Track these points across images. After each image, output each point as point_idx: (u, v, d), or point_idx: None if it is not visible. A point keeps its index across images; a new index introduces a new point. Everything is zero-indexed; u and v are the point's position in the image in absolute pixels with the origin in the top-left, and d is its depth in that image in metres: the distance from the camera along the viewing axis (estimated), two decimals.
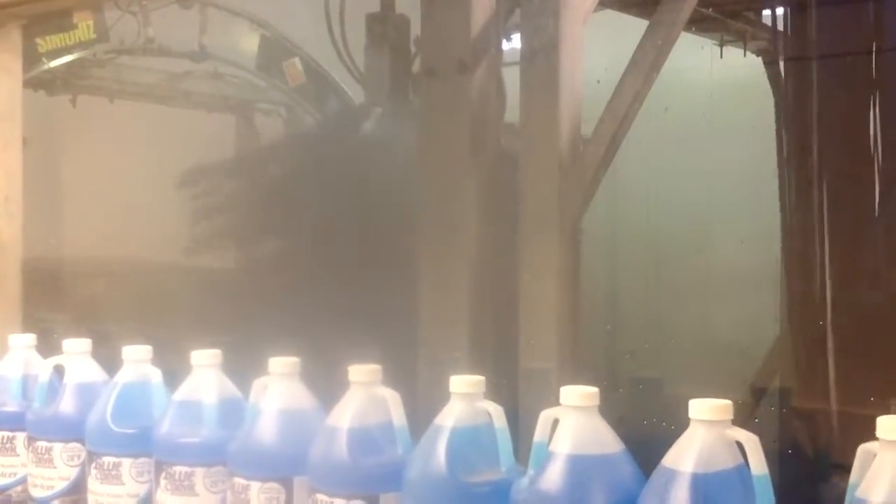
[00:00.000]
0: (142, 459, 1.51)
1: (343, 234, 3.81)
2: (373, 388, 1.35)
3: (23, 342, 1.80)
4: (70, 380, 1.65)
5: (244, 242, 4.34)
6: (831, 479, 2.88)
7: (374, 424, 1.33)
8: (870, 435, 1.01)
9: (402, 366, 1.68)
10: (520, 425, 1.34)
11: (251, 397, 1.45)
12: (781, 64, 3.54)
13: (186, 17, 4.47)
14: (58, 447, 1.61)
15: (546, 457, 1.15)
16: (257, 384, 1.45)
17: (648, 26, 3.13)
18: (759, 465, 1.05)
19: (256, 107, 5.14)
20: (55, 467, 1.61)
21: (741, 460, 1.07)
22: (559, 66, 2.62)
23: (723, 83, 4.01)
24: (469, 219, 2.69)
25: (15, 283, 2.37)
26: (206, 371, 1.51)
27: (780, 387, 3.43)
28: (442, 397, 1.28)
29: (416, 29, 4.02)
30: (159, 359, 1.62)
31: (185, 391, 1.51)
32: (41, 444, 1.63)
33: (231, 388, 1.52)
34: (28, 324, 2.34)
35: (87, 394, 1.62)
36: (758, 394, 3.51)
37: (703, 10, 3.63)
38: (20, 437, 1.69)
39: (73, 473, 1.60)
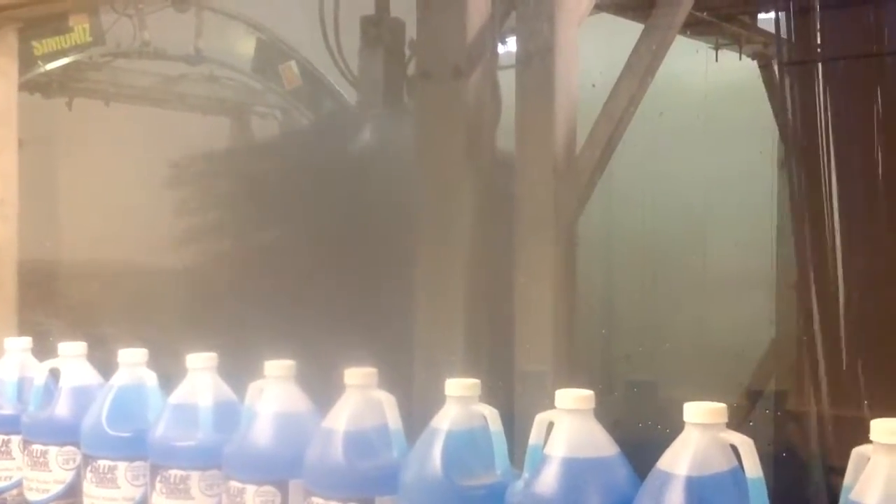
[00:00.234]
0: (137, 463, 1.51)
1: (339, 238, 3.81)
2: (368, 392, 1.35)
3: (18, 345, 1.80)
4: (65, 383, 1.65)
5: (239, 245, 4.33)
6: (825, 482, 2.89)
7: (369, 427, 1.33)
8: (864, 438, 1.01)
9: (397, 369, 1.68)
10: (515, 428, 1.34)
11: (246, 400, 1.45)
12: (776, 67, 3.55)
13: (182, 21, 4.47)
14: (53, 450, 1.61)
15: (541, 460, 1.15)
16: (253, 387, 1.45)
17: (644, 30, 3.14)
18: (753, 468, 1.05)
19: (252, 110, 5.14)
20: (50, 471, 1.61)
21: (736, 463, 1.07)
22: (554, 69, 2.62)
23: (718, 87, 4.02)
24: (465, 222, 2.69)
25: (10, 285, 2.37)
26: (201, 374, 1.51)
27: (775, 390, 3.43)
28: (437, 400, 1.28)
29: (410, 32, 4.02)
30: (155, 362, 1.62)
31: (180, 394, 1.51)
32: (36, 447, 1.63)
33: (226, 392, 1.52)
34: (23, 327, 2.34)
35: (83, 397, 1.62)
36: (752, 397, 3.51)
37: (699, 13, 3.63)
38: (15, 440, 1.69)
39: (68, 477, 1.60)
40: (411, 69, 4.01)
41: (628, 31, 3.29)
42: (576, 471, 1.13)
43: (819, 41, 3.18)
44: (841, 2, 3.17)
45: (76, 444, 1.58)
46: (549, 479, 1.13)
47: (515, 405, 2.41)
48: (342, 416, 1.34)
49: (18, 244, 2.39)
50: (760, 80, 3.91)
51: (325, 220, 3.87)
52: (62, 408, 1.63)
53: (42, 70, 4.22)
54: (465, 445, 1.25)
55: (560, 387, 1.18)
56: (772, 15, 3.54)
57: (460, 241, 2.68)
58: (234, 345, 1.70)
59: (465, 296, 2.65)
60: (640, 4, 3.35)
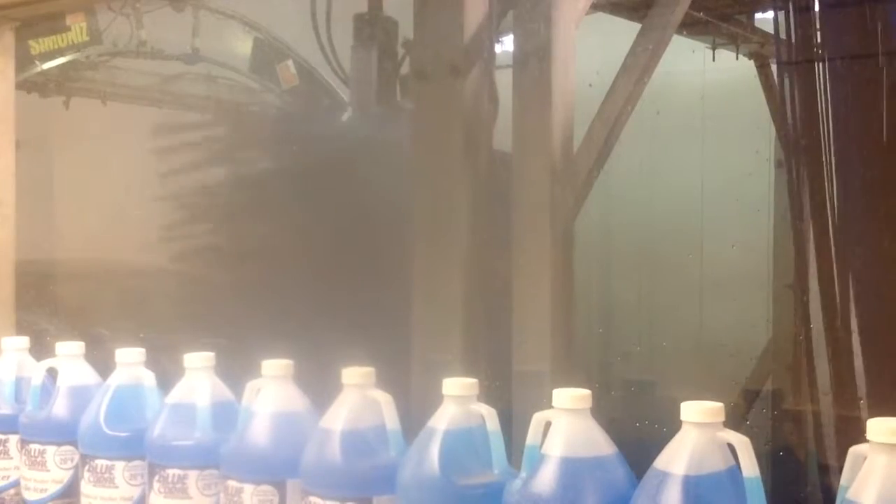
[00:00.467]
0: (135, 462, 1.51)
1: (336, 237, 3.81)
2: (366, 391, 1.35)
3: (16, 345, 1.80)
4: (63, 382, 1.65)
5: (236, 244, 4.33)
6: (822, 482, 2.89)
7: (367, 427, 1.34)
8: (860, 437, 1.02)
9: (395, 368, 1.68)
10: (513, 428, 1.34)
11: (244, 400, 1.45)
12: (774, 67, 3.55)
13: (179, 20, 4.47)
14: (51, 450, 1.61)
15: (539, 459, 1.16)
16: (250, 387, 1.45)
17: (640, 30, 3.14)
18: (750, 467, 1.05)
19: (249, 109, 5.14)
20: (48, 470, 1.61)
21: (733, 462, 1.07)
22: (551, 69, 2.63)
23: (715, 86, 4.02)
24: (462, 221, 2.69)
25: (8, 285, 2.37)
26: (199, 374, 1.52)
27: (772, 389, 3.44)
28: (435, 400, 1.28)
29: (404, 31, 4.03)
30: (152, 361, 1.62)
31: (178, 394, 1.51)
32: (34, 446, 1.63)
33: (224, 391, 1.52)
34: (21, 326, 2.34)
35: (81, 396, 1.62)
36: (750, 396, 3.52)
37: (695, 13, 3.63)
38: (13, 439, 1.69)
39: (66, 476, 1.60)
40: (405, 68, 4.02)
41: (625, 30, 3.30)
42: (573, 470, 1.13)
43: (817, 41, 3.19)
44: (839, 1, 3.18)
45: (74, 443, 1.58)
46: (546, 478, 1.13)
47: (513, 404, 2.42)
48: (340, 416, 1.34)
49: (16, 244, 2.38)
50: (757, 79, 3.92)
51: (322, 219, 3.87)
52: (60, 407, 1.63)
53: (39, 69, 4.22)
54: (463, 445, 1.25)
55: (557, 386, 1.18)
56: (769, 14, 3.55)
57: (458, 241, 2.69)
58: (231, 344, 1.70)
59: (463, 295, 2.65)
60: (637, 4, 3.36)
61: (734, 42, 4.02)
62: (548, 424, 1.17)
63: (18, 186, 2.41)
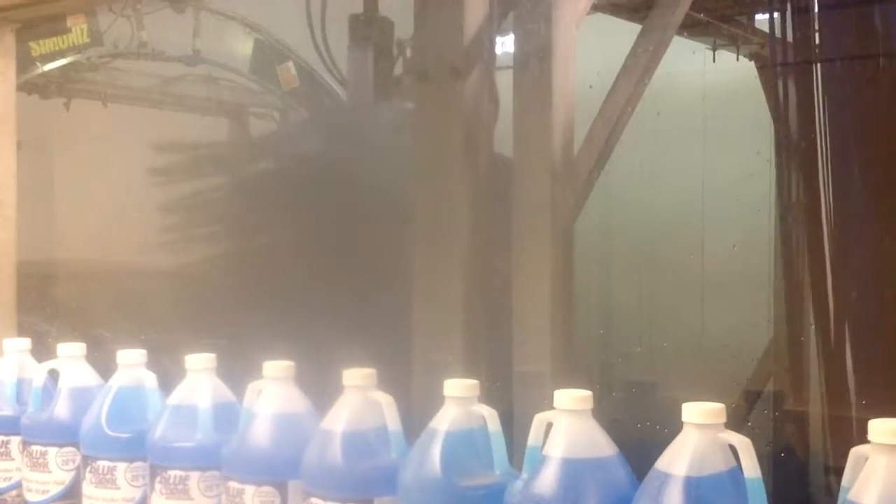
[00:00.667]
0: (137, 463, 1.52)
1: (337, 238, 3.81)
2: (367, 392, 1.35)
3: (17, 346, 1.81)
4: (65, 384, 1.65)
5: (237, 246, 4.33)
6: (824, 483, 2.89)
7: (368, 428, 1.34)
8: (862, 438, 1.02)
9: (396, 369, 1.68)
10: (514, 429, 1.34)
11: (245, 401, 1.45)
12: (775, 68, 3.55)
13: (180, 21, 4.47)
14: (53, 451, 1.61)
15: (540, 460, 1.16)
16: (251, 388, 1.45)
17: (641, 31, 3.14)
18: (752, 468, 1.05)
19: (250, 110, 5.15)
20: (50, 472, 1.61)
21: (734, 464, 1.07)
22: (552, 70, 2.63)
23: (715, 87, 4.02)
24: (462, 223, 2.69)
25: (9, 287, 2.37)
26: (200, 375, 1.52)
27: (774, 390, 3.44)
28: (436, 401, 1.28)
29: (400, 32, 4.03)
30: (154, 363, 1.62)
31: (179, 395, 1.51)
32: (36, 448, 1.63)
33: (225, 392, 1.53)
34: (22, 328, 2.34)
35: (82, 398, 1.63)
36: (751, 397, 3.51)
37: (696, 14, 3.63)
38: (15, 441, 1.70)
39: (67, 478, 1.61)
40: (401, 68, 4.03)
41: (625, 32, 3.30)
42: (574, 471, 1.13)
43: (816, 42, 3.19)
44: (838, 2, 3.18)
45: (76, 444, 1.59)
46: (547, 479, 1.13)
47: (514, 405, 2.42)
48: (341, 417, 1.34)
49: (17, 245, 2.39)
50: (758, 80, 3.91)
51: (323, 220, 3.87)
52: (61, 409, 1.63)
53: (40, 71, 4.22)
54: (464, 446, 1.25)
55: (558, 387, 1.18)
56: (769, 15, 3.55)
57: (458, 242, 2.69)
58: (232, 346, 1.70)
59: (464, 296, 2.65)
60: (638, 5, 3.36)
61: (735, 43, 4.02)
62: (549, 425, 1.18)
63: (19, 187, 2.41)
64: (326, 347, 2.02)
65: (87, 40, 4.33)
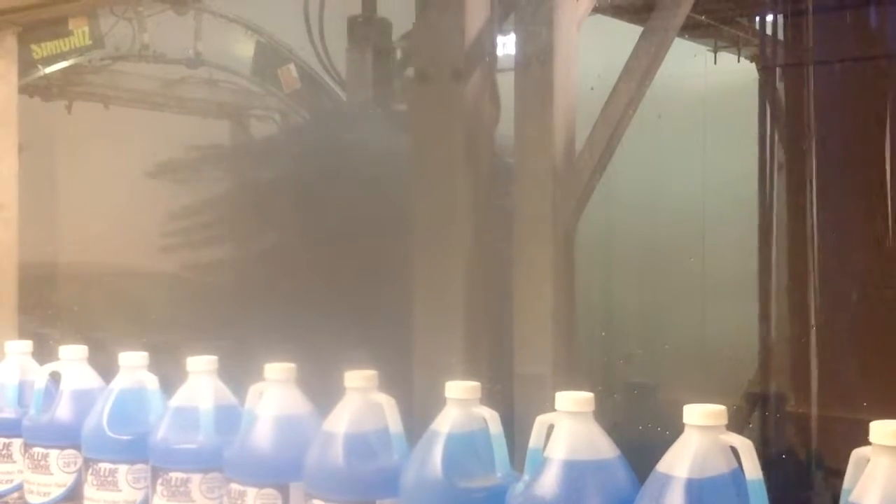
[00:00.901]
0: (138, 465, 1.52)
1: (338, 241, 3.81)
2: (369, 394, 1.35)
3: (19, 349, 1.81)
4: (66, 386, 1.65)
5: (239, 248, 4.34)
6: (825, 485, 2.89)
7: (370, 430, 1.34)
8: (863, 440, 1.02)
9: (397, 371, 1.68)
10: (515, 431, 1.34)
11: (247, 403, 1.45)
12: (775, 70, 3.56)
13: (181, 24, 4.47)
14: (54, 453, 1.61)
15: (541, 462, 1.16)
16: (253, 390, 1.45)
17: (642, 33, 3.14)
18: (753, 470, 1.05)
19: (251, 112, 5.15)
20: (51, 474, 1.61)
21: (736, 465, 1.07)
22: (553, 72, 2.62)
23: (716, 89, 4.03)
24: (464, 224, 2.69)
25: (11, 289, 2.37)
26: (202, 377, 1.52)
27: (775, 392, 3.44)
28: (438, 403, 1.28)
29: (399, 33, 4.03)
30: (155, 365, 1.63)
31: (181, 397, 1.52)
32: (37, 450, 1.63)
33: (227, 395, 1.53)
34: (24, 330, 2.34)
35: (84, 400, 1.63)
36: (752, 399, 3.51)
37: (697, 16, 3.64)
38: (16, 443, 1.70)
39: (69, 480, 1.61)
40: (400, 69, 4.03)
41: (627, 33, 3.29)
42: (576, 473, 1.13)
43: (813, 44, 3.20)
44: (838, 4, 3.18)
45: (77, 447, 1.59)
46: (549, 481, 1.13)
47: (515, 407, 2.41)
48: (343, 419, 1.34)
49: (19, 248, 2.39)
50: (758, 82, 3.91)
51: (324, 222, 3.87)
52: (63, 411, 1.63)
53: (42, 73, 4.23)
54: (466, 448, 1.25)
55: (559, 389, 1.18)
56: (768, 17, 3.56)
57: (459, 244, 2.69)
58: (234, 348, 1.70)
59: (465, 298, 2.65)
60: (639, 7, 3.35)
61: (735, 45, 4.03)
62: (550, 427, 1.18)
63: (21, 190, 2.42)
64: (328, 349, 2.02)
65: (88, 43, 4.33)
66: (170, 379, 1.58)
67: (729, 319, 3.86)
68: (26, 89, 3.97)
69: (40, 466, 1.62)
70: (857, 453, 1.03)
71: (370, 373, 1.37)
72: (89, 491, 1.55)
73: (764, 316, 3.38)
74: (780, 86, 3.40)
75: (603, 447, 1.16)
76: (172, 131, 4.65)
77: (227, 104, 5.02)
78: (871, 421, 1.02)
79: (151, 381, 1.59)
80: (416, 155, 2.82)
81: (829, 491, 2.84)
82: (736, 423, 1.10)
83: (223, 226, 4.38)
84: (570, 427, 1.16)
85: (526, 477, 1.18)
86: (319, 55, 4.31)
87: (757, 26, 3.95)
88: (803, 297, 3.13)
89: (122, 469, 1.52)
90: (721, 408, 1.09)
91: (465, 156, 2.70)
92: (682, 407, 1.09)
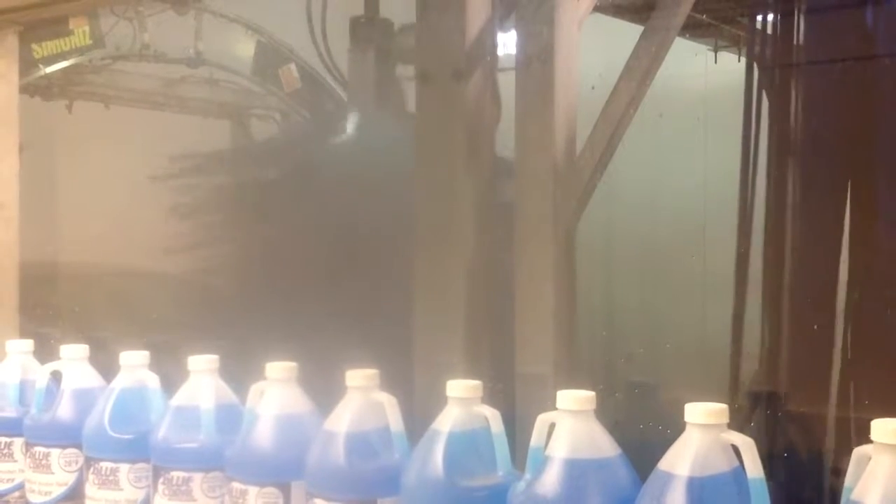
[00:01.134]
0: (139, 465, 1.52)
1: (339, 240, 3.81)
2: (370, 393, 1.35)
3: (20, 348, 1.81)
4: (67, 385, 1.66)
5: (240, 248, 4.34)
6: (827, 483, 2.89)
7: (371, 429, 1.34)
8: (865, 438, 1.02)
9: (398, 370, 1.68)
10: (516, 429, 1.35)
11: (248, 402, 1.45)
12: (771, 69, 3.56)
13: (182, 23, 4.47)
14: (55, 453, 1.61)
15: (543, 461, 1.16)
16: (254, 389, 1.45)
17: (643, 32, 3.14)
18: (754, 468, 1.05)
19: (252, 112, 5.15)
20: (53, 473, 1.61)
21: (737, 464, 1.07)
22: (554, 72, 2.62)
23: (717, 89, 4.02)
24: (465, 224, 2.69)
25: (12, 289, 2.38)
26: (203, 376, 1.52)
27: (776, 391, 3.44)
28: (439, 402, 1.28)
29: (403, 34, 4.03)
30: (156, 364, 1.63)
31: (182, 396, 1.52)
32: (39, 449, 1.63)
33: (228, 394, 1.53)
34: (25, 330, 2.34)
35: (85, 399, 1.63)
36: (753, 397, 3.51)
37: (698, 15, 3.64)
38: (18, 442, 1.70)
39: (70, 479, 1.61)
40: (402, 69, 4.03)
41: (627, 33, 3.29)
42: (577, 472, 1.13)
43: (812, 44, 3.20)
44: (838, 4, 3.19)
45: (78, 446, 1.59)
46: (550, 480, 1.13)
47: (517, 406, 2.42)
48: (344, 418, 1.34)
49: (19, 247, 2.39)
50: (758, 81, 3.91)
51: (325, 222, 3.87)
52: (64, 410, 1.63)
53: (42, 73, 4.23)
54: (467, 447, 1.25)
55: (561, 388, 1.18)
56: (769, 17, 3.56)
57: (460, 243, 2.69)
58: (235, 347, 1.70)
59: (466, 297, 2.65)
60: (640, 6, 3.35)
61: (736, 44, 4.02)
62: (552, 426, 1.18)
63: (22, 189, 2.42)
64: (329, 348, 2.02)
65: (89, 42, 4.33)
66: (171, 378, 1.58)
67: (730, 318, 3.86)
68: (27, 89, 3.97)
69: (42, 466, 1.62)
70: (859, 451, 1.03)
71: (371, 372, 1.37)
72: (91, 490, 1.55)
73: (766, 314, 3.38)
74: (780, 86, 3.40)
75: (604, 446, 1.16)
76: (173, 131, 4.65)
77: (228, 104, 5.02)
78: (872, 419, 1.02)
79: (153, 381, 1.59)
80: (417, 154, 2.82)
81: (831, 489, 2.84)
82: (737, 422, 1.10)
83: (224, 225, 4.38)
84: (571, 426, 1.16)
85: (527, 476, 1.18)
86: (322, 55, 4.31)
87: (759, 25, 3.96)
88: (805, 296, 3.13)
89: (124, 468, 1.53)
90: (722, 406, 1.09)
91: (465, 155, 2.70)
92: (683, 405, 1.09)
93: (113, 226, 4.22)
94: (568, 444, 1.15)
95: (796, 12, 3.22)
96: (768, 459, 1.06)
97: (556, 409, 1.17)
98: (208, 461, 1.45)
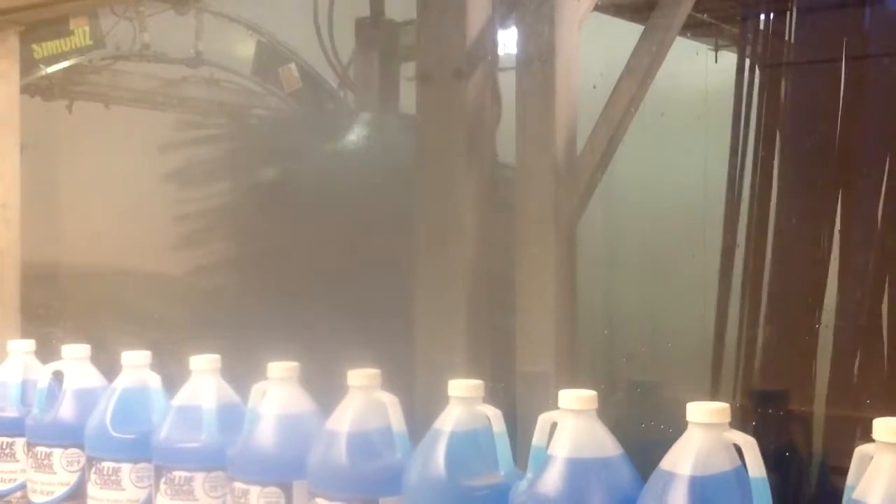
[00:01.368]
0: (141, 464, 1.52)
1: (340, 240, 3.81)
2: (372, 393, 1.35)
3: (22, 348, 1.81)
4: (69, 385, 1.66)
5: (241, 247, 4.34)
6: (828, 482, 2.89)
7: (373, 428, 1.34)
8: (867, 437, 1.02)
9: (400, 370, 1.68)
10: (518, 429, 1.35)
11: (250, 402, 1.45)
12: (763, 69, 3.56)
13: (182, 24, 4.47)
14: (57, 453, 1.62)
15: (545, 460, 1.16)
16: (256, 389, 1.45)
17: (643, 31, 3.14)
18: (756, 467, 1.06)
19: (252, 112, 5.14)
20: (55, 473, 1.62)
21: (739, 463, 1.07)
22: (555, 71, 2.62)
23: (718, 88, 4.02)
24: (466, 223, 2.69)
25: (14, 288, 2.38)
26: (204, 376, 1.52)
27: (778, 389, 3.44)
28: (441, 401, 1.28)
29: (406, 34, 4.04)
30: (158, 364, 1.63)
31: (184, 396, 1.52)
32: (41, 449, 1.63)
33: (230, 393, 1.53)
34: (27, 330, 2.34)
35: (87, 399, 1.63)
36: (755, 397, 3.51)
37: (698, 14, 3.64)
38: (20, 442, 1.70)
39: (72, 479, 1.61)
40: (406, 70, 4.03)
41: (628, 32, 3.30)
42: (579, 471, 1.13)
43: (812, 43, 3.21)
44: (838, 3, 3.19)
45: (80, 446, 1.59)
46: (552, 479, 1.14)
47: (518, 406, 2.42)
48: (346, 418, 1.34)
49: (21, 247, 2.39)
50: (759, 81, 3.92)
51: (326, 221, 3.87)
52: (66, 410, 1.64)
53: (43, 73, 4.23)
54: (469, 446, 1.25)
55: (563, 387, 1.18)
56: (767, 17, 3.57)
57: (461, 243, 2.69)
58: (237, 347, 1.71)
59: (467, 297, 2.65)
60: (640, 6, 3.36)
61: (736, 44, 4.02)
62: (554, 425, 1.18)
63: (23, 189, 2.42)
64: (331, 348, 2.02)
65: (89, 42, 4.33)
66: (173, 378, 1.58)
67: (731, 317, 3.86)
68: (28, 89, 3.97)
69: (43, 465, 1.62)
70: (861, 450, 1.03)
71: (373, 371, 1.37)
72: (92, 490, 1.55)
73: (768, 313, 3.38)
74: (779, 84, 3.40)
75: (606, 445, 1.16)
76: (173, 131, 4.65)
77: (229, 104, 5.02)
78: (874, 418, 1.02)
79: (154, 380, 1.59)
80: (419, 154, 2.82)
81: (833, 488, 2.84)
82: (739, 421, 1.10)
83: (226, 225, 4.38)
84: (573, 425, 1.16)
85: (529, 475, 1.18)
86: (329, 56, 4.31)
87: (761, 25, 3.96)
88: (807, 296, 3.13)
89: (126, 468, 1.53)
90: (724, 405, 1.09)
91: (466, 155, 2.70)
92: (685, 404, 1.09)
93: (114, 225, 4.22)
94: (570, 444, 1.15)
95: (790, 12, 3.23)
96: (770, 458, 1.06)
97: (557, 408, 1.17)
98: (210, 461, 1.45)
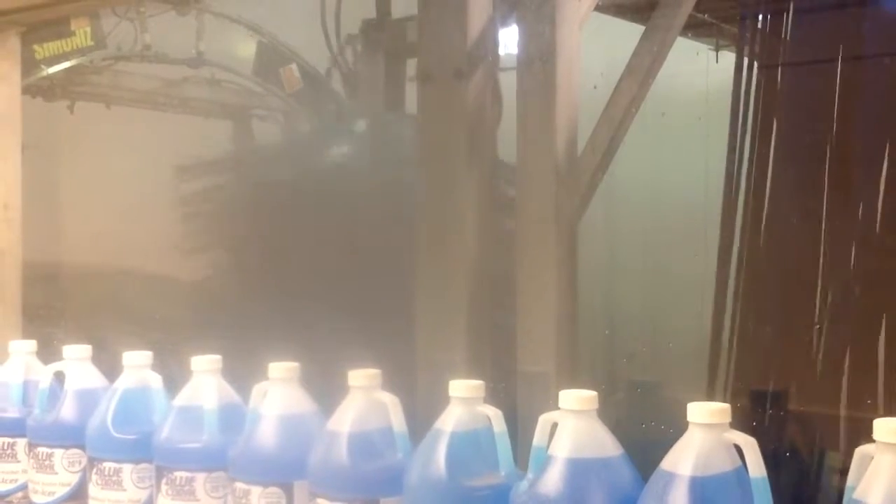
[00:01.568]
0: (143, 465, 1.52)
1: (341, 239, 3.81)
2: (372, 393, 1.36)
3: (23, 348, 1.81)
4: (70, 386, 1.66)
5: (242, 248, 4.34)
6: (829, 482, 2.89)
7: (373, 429, 1.34)
8: (867, 437, 1.02)
9: (401, 370, 1.68)
10: (519, 429, 1.35)
11: (251, 402, 1.45)
12: (759, 69, 3.57)
13: (183, 24, 4.47)
14: (59, 453, 1.62)
15: (545, 460, 1.16)
16: (257, 389, 1.45)
17: (644, 32, 3.14)
18: (757, 467, 1.06)
19: (253, 112, 5.14)
20: (56, 473, 1.62)
21: (739, 463, 1.07)
22: (556, 71, 2.63)
23: (718, 88, 4.02)
24: (467, 223, 2.69)
25: (15, 289, 2.38)
26: (206, 377, 1.52)
27: (778, 390, 3.44)
28: (441, 401, 1.28)
29: (411, 35, 4.04)
30: (159, 364, 1.63)
31: (185, 397, 1.52)
32: (42, 450, 1.63)
33: (231, 394, 1.53)
34: (28, 330, 2.35)
35: (88, 400, 1.63)
36: (756, 397, 3.51)
37: (699, 15, 3.64)
38: (21, 443, 1.70)
39: (74, 479, 1.61)
40: (411, 71, 4.03)
41: (629, 32, 3.30)
42: (580, 471, 1.13)
43: (812, 43, 3.21)
44: (838, 4, 3.19)
45: (81, 446, 1.59)
46: (553, 479, 1.14)
47: (519, 406, 2.42)
48: (346, 418, 1.34)
49: (22, 248, 2.39)
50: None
51: (328, 221, 3.87)
52: (67, 410, 1.64)
53: (44, 74, 4.23)
54: (470, 446, 1.25)
55: (563, 387, 1.18)
56: (768, 17, 3.57)
57: (462, 243, 2.69)
58: (238, 347, 1.71)
59: (468, 297, 2.65)
60: (641, 6, 3.36)
61: (736, 43, 4.02)
62: (554, 426, 1.18)
63: (24, 190, 2.42)
64: (331, 348, 2.02)
65: (90, 43, 4.33)
66: (174, 378, 1.59)
67: (732, 317, 3.86)
68: (29, 89, 3.97)
69: (45, 466, 1.62)
70: (861, 451, 1.03)
71: (374, 371, 1.37)
72: (94, 490, 1.55)
73: (769, 313, 3.38)
74: (780, 84, 3.40)
75: (606, 445, 1.16)
76: (174, 131, 4.65)
77: (230, 104, 5.02)
78: (874, 418, 1.02)
79: (155, 381, 1.59)
80: (420, 153, 2.82)
81: (833, 488, 2.84)
82: (739, 421, 1.10)
83: (227, 225, 4.38)
84: (573, 425, 1.16)
85: (530, 475, 1.18)
86: (336, 57, 4.31)
87: (760, 25, 3.96)
88: (807, 296, 3.13)
89: (127, 468, 1.53)
90: (725, 405, 1.09)
91: (467, 155, 2.70)
92: (685, 405, 1.09)
93: (115, 226, 4.22)
94: (570, 444, 1.15)
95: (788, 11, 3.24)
96: (770, 458, 1.06)
97: (558, 408, 1.17)
98: (211, 461, 1.45)
